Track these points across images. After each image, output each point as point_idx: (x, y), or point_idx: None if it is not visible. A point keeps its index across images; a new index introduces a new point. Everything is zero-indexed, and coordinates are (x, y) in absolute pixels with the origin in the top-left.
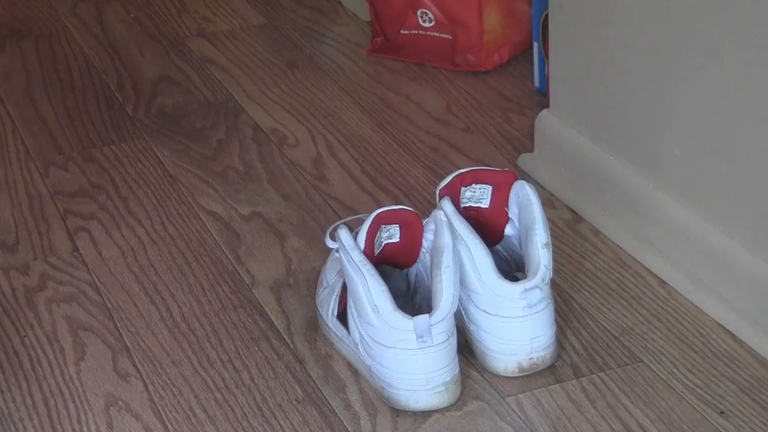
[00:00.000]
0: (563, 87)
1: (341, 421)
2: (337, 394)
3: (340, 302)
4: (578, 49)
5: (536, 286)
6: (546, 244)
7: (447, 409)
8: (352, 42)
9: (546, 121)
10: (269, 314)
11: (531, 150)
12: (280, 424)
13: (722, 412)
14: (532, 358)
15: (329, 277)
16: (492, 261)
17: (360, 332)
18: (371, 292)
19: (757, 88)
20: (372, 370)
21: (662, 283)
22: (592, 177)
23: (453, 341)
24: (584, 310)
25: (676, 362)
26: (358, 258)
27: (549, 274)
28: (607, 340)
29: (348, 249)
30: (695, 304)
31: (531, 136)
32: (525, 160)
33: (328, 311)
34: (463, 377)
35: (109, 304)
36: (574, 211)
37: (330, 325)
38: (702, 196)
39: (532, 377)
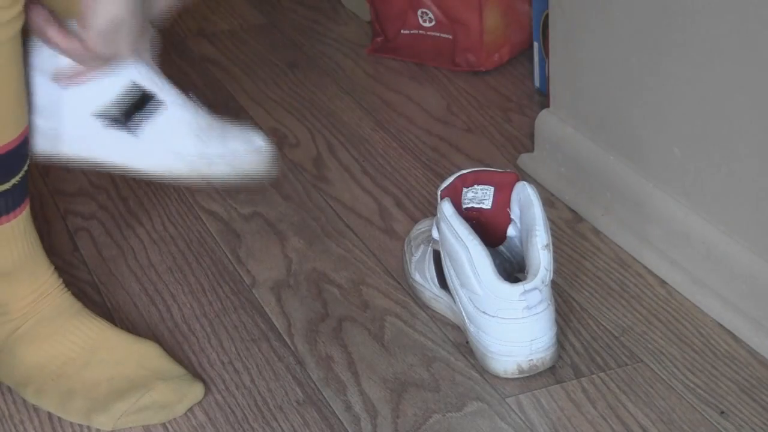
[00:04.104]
0: (563, 87)
1: (342, 423)
2: (338, 395)
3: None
4: (578, 49)
5: (536, 288)
6: (546, 246)
7: (447, 410)
8: (352, 42)
9: (546, 121)
10: (269, 315)
11: (531, 150)
12: (280, 426)
13: (722, 412)
14: (531, 360)
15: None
16: (491, 262)
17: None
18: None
19: (757, 87)
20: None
21: (662, 283)
22: (592, 177)
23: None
24: (584, 310)
25: (676, 362)
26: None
27: (549, 276)
28: (607, 340)
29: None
30: (695, 304)
31: (531, 136)
32: (525, 160)
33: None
34: (464, 378)
35: (109, 305)
36: (574, 211)
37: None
38: (702, 196)
39: (532, 378)
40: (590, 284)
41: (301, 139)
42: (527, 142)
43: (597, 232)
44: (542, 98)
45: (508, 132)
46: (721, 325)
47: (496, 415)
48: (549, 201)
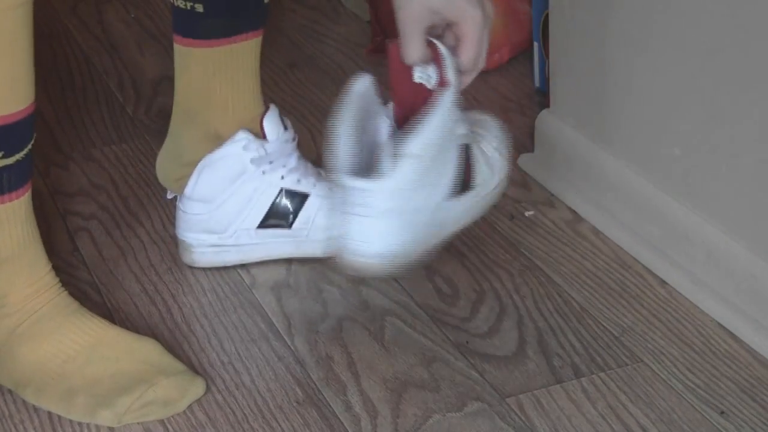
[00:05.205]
0: (563, 87)
1: (342, 423)
2: (338, 395)
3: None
4: (578, 49)
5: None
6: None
7: (447, 410)
8: (352, 42)
9: (546, 121)
10: (269, 315)
11: (531, 150)
12: (280, 426)
13: (722, 412)
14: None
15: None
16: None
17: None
18: None
19: (757, 87)
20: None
21: (662, 283)
22: (592, 177)
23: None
24: (584, 310)
25: (676, 362)
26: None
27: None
28: (607, 340)
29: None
30: (695, 304)
31: (531, 136)
32: (525, 160)
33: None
34: (463, 378)
35: (109, 305)
36: (574, 211)
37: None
38: (702, 196)
39: (532, 378)
40: (590, 284)
41: (301, 139)
42: (527, 142)
43: (597, 232)
44: (542, 98)
45: (508, 132)
46: (721, 325)
47: (496, 415)
48: (549, 201)
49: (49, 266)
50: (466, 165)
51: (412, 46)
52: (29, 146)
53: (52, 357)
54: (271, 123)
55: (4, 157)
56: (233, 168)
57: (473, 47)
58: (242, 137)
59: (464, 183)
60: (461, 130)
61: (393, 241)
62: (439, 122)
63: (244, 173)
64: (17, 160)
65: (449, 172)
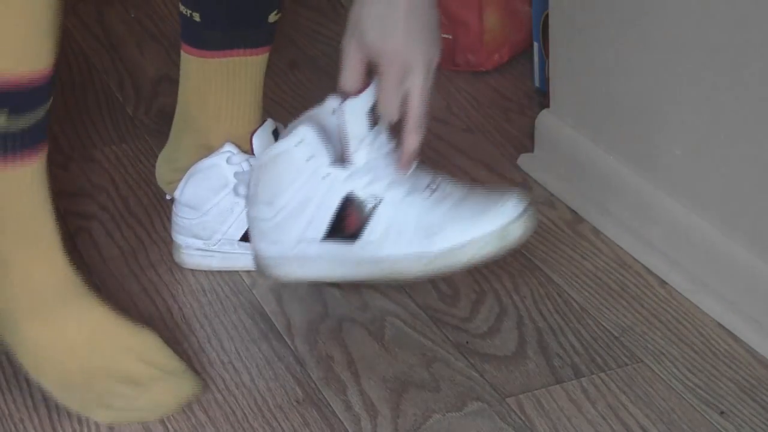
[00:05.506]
0: (563, 87)
1: (342, 423)
2: (338, 395)
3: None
4: (578, 49)
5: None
6: None
7: (447, 410)
8: None
9: (546, 121)
10: (269, 315)
11: (531, 150)
12: (280, 425)
13: (722, 413)
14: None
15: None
16: None
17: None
18: None
19: (758, 87)
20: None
21: (662, 283)
22: (592, 177)
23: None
24: (584, 310)
25: (676, 362)
26: None
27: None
28: (607, 340)
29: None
30: (695, 304)
31: (531, 136)
32: (525, 160)
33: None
34: (463, 378)
35: (109, 305)
36: (574, 211)
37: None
38: (702, 196)
39: (532, 377)
40: (590, 284)
41: None
42: (527, 142)
43: (597, 232)
44: (542, 98)
45: (508, 132)
46: (721, 325)
47: (496, 415)
48: (549, 201)
49: (59, 243)
50: (352, 215)
51: (345, 75)
52: (40, 110)
53: (52, 343)
54: (261, 139)
55: (9, 118)
56: (217, 179)
57: (385, 95)
58: (227, 150)
59: (347, 232)
60: (340, 175)
61: (260, 247)
62: (279, 149)
63: (226, 186)
64: (22, 127)
65: (305, 207)
